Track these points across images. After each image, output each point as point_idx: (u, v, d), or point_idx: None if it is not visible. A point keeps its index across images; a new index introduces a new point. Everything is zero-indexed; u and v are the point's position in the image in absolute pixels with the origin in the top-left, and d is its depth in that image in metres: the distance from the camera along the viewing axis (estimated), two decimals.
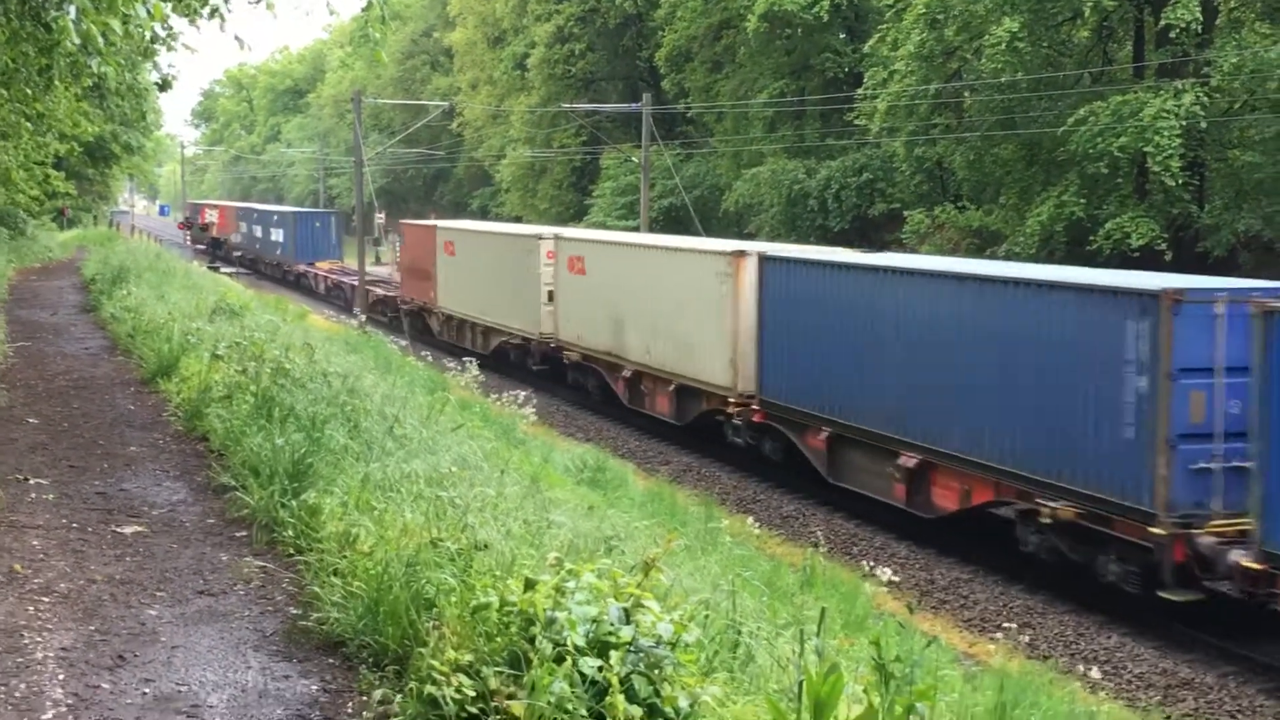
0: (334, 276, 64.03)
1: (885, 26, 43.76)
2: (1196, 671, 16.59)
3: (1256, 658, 16.75)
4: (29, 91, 16.44)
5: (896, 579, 16.90)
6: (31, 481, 11.66)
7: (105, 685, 6.92)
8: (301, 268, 68.27)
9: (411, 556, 7.48)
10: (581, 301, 34.31)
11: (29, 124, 21.24)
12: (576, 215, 69.18)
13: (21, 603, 8.21)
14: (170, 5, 12.73)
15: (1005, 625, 17.68)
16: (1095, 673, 15.39)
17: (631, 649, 5.71)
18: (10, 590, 8.45)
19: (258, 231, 79.48)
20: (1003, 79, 36.96)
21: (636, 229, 52.45)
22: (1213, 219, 34.58)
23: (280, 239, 72.71)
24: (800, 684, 5.70)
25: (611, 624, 5.85)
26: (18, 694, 6.74)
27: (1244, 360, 16.05)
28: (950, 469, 20.74)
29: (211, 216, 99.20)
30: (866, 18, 52.57)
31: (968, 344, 20.08)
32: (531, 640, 5.96)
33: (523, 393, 25.81)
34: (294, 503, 9.74)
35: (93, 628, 7.81)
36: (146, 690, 6.86)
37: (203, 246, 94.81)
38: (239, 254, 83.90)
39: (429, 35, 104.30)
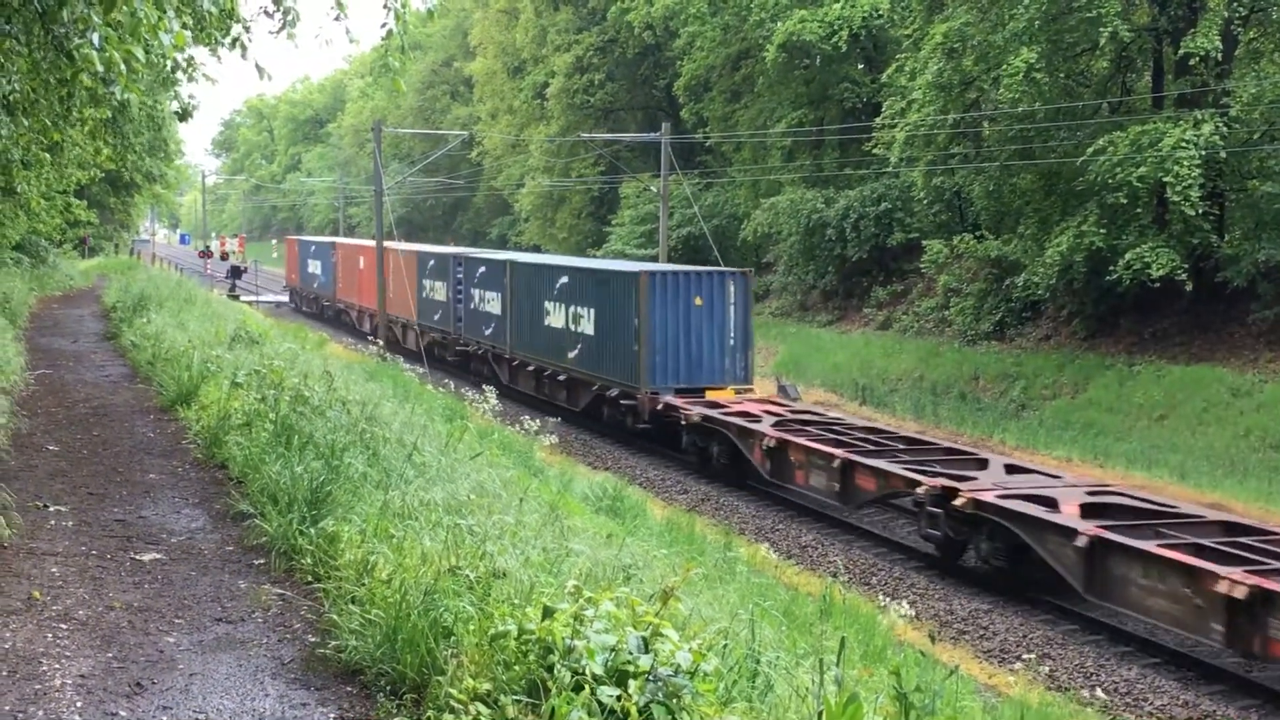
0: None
1: (903, 56, 43.86)
2: (1218, 704, 16.46)
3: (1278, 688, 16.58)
4: (48, 122, 16.51)
5: (912, 612, 16.86)
6: (51, 508, 11.68)
7: (123, 713, 6.91)
8: (670, 400, 31.16)
9: (430, 584, 7.47)
10: None
11: (47, 154, 21.34)
12: (595, 245, 69.33)
13: (40, 630, 8.21)
14: (192, 34, 12.79)
15: (1025, 656, 17.60)
16: (1102, 693, 15.31)
17: (650, 678, 5.70)
18: (29, 617, 8.46)
19: (490, 304, 42.91)
20: (1021, 109, 36.98)
21: (655, 258, 52.54)
22: (1233, 249, 34.51)
23: (586, 327, 35.22)
24: (819, 714, 5.68)
25: (630, 653, 5.84)
26: None
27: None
28: None
29: (320, 264, 67.04)
30: (884, 48, 52.71)
31: None
32: (550, 669, 5.95)
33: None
34: (312, 530, 9.74)
35: (111, 655, 7.81)
36: (164, 718, 6.85)
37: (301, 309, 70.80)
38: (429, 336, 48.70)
39: (449, 65, 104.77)
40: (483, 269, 43.94)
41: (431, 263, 49.96)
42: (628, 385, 32.49)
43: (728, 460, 28.65)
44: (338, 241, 67.54)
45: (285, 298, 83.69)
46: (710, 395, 31.25)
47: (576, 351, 35.67)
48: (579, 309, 35.52)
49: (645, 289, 31.69)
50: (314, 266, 70.73)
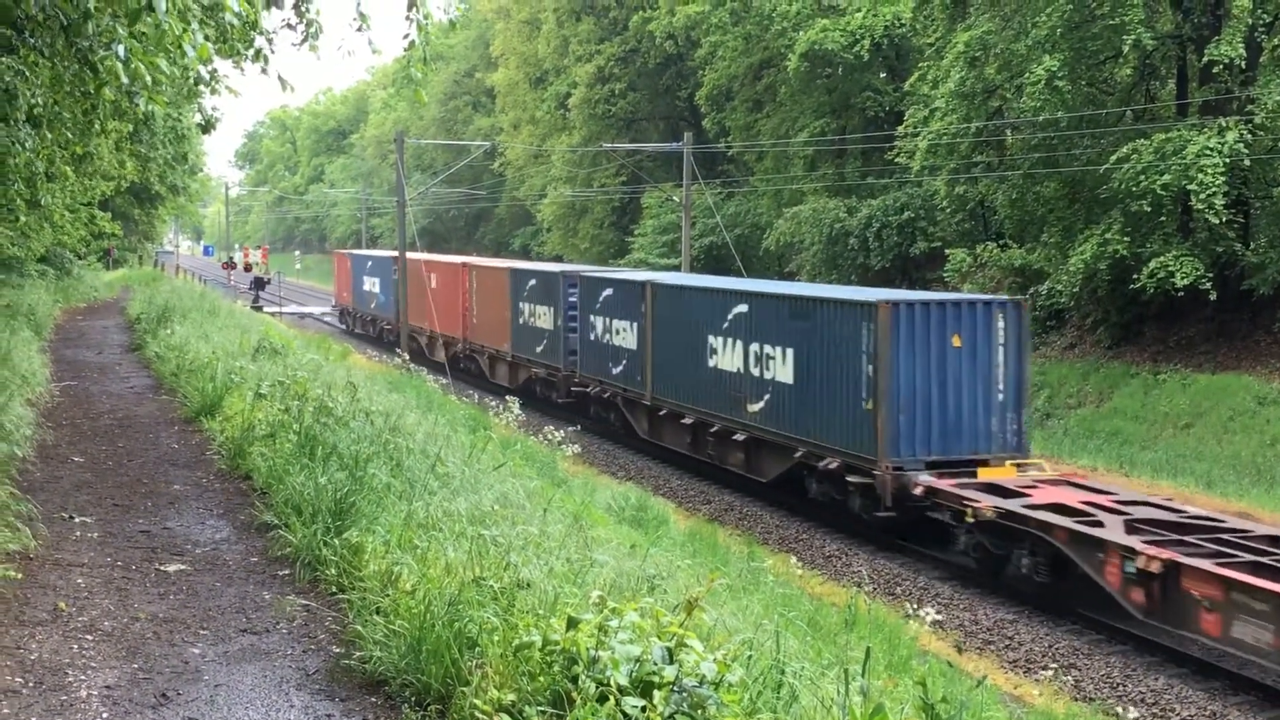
0: None
1: (926, 65, 43.78)
2: (1246, 715, 16.36)
3: None
4: (69, 135, 16.57)
5: (940, 618, 16.82)
6: (76, 519, 11.71)
7: None
8: (932, 483, 22.48)
9: (454, 595, 7.47)
10: None
11: (68, 168, 21.44)
12: (617, 254, 69.37)
13: (66, 640, 8.23)
14: (216, 47, 12.84)
15: (1050, 666, 17.53)
16: (1133, 709, 15.22)
17: (675, 689, 5.68)
18: (55, 628, 8.48)
19: (620, 336, 34.86)
20: (1044, 117, 36.87)
21: (678, 268, 52.49)
22: (1258, 257, 34.33)
23: (779, 372, 26.98)
24: None
25: (655, 663, 5.83)
26: None
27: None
28: None
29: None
30: (907, 56, 52.62)
31: None
32: (575, 680, 5.94)
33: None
34: (336, 541, 9.75)
35: (136, 666, 7.82)
36: None
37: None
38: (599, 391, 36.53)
39: (471, 76, 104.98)
40: (608, 292, 35.60)
41: (532, 283, 41.25)
42: (855, 455, 24.05)
43: (1047, 576, 20.09)
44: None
45: (308, 309, 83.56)
46: (984, 474, 22.87)
47: (763, 404, 27.30)
48: (768, 348, 27.10)
49: (887, 324, 23.34)
50: (370, 284, 62.91)
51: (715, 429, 29.20)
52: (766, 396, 27.14)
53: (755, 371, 27.53)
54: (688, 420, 30.65)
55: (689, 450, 31.11)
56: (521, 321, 41.97)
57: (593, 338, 36.46)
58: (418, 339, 53.79)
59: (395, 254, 59.30)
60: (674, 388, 31.43)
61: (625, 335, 34.27)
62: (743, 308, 28.37)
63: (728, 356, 28.73)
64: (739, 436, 28.19)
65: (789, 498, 27.62)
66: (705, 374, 29.69)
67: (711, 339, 29.34)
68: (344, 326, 70.58)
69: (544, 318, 40.05)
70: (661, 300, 32.34)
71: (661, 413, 32.13)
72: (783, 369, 26.52)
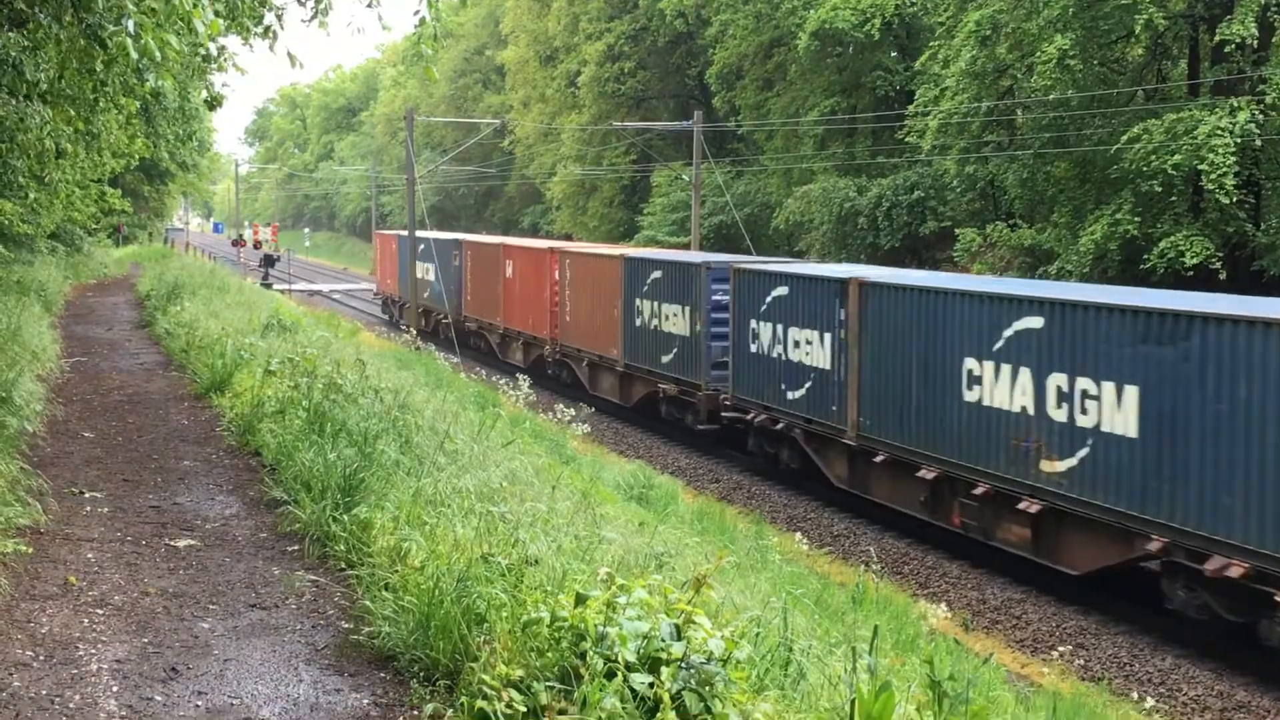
0: None
1: (936, 44, 43.68)
2: (1253, 694, 16.37)
3: None
4: (72, 112, 16.57)
5: (949, 616, 16.83)
6: (86, 495, 11.73)
7: (158, 697, 6.94)
8: None
9: (463, 571, 7.47)
10: None
11: (73, 145, 21.43)
12: (626, 233, 69.34)
13: (76, 615, 8.26)
14: (225, 23, 12.82)
15: (1059, 646, 17.54)
16: (1149, 700, 15.24)
17: (683, 665, 5.69)
18: (65, 602, 8.50)
19: (802, 349, 26.46)
20: (1054, 96, 36.78)
21: (687, 246, 52.42)
22: (1268, 237, 34.25)
23: (1105, 418, 18.38)
24: (852, 702, 5.67)
25: (663, 640, 5.84)
26: (72, 705, 6.77)
27: None
28: None
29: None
30: (918, 35, 52.51)
31: None
32: (583, 656, 5.95)
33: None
34: (346, 517, 9.75)
35: (146, 640, 7.84)
36: (199, 703, 6.88)
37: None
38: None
39: (481, 53, 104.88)
40: (780, 290, 27.33)
41: (656, 275, 33.71)
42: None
43: None
44: (465, 239, 51.98)
45: (317, 286, 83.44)
46: None
47: (1074, 462, 18.97)
48: (1084, 382, 18.76)
49: None
50: (424, 270, 53.69)
51: (979, 491, 21.06)
52: (1082, 452, 18.92)
53: (1058, 414, 19.31)
54: (926, 474, 22.36)
55: (921, 512, 23.03)
56: (639, 323, 34.39)
57: (755, 349, 28.28)
58: (487, 336, 47.87)
59: (455, 236, 54.84)
60: (898, 425, 23.40)
61: (810, 349, 26.14)
62: (1034, 321, 19.92)
63: (1003, 389, 20.49)
64: (1026, 506, 19.91)
65: (1109, 600, 20.02)
66: (959, 411, 21.62)
67: (971, 362, 21.28)
68: (387, 318, 64.30)
69: (675, 320, 32.38)
70: (876, 304, 24.11)
71: (876, 458, 24.02)
72: (1115, 414, 18.25)
